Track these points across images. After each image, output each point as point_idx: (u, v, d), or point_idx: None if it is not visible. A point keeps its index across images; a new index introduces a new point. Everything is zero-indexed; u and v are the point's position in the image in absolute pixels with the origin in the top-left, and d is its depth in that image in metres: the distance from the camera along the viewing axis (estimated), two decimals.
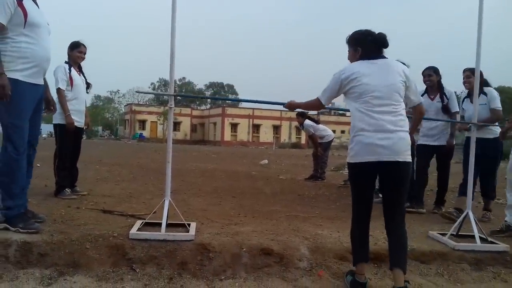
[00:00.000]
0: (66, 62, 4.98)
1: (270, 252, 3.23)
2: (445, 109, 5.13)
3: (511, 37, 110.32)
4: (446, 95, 5.16)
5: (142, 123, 59.99)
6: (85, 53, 5.11)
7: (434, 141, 5.22)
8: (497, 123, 4.87)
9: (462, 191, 4.66)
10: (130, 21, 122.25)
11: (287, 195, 6.38)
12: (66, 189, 4.92)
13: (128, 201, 4.94)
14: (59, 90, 4.80)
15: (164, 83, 74.19)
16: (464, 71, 4.90)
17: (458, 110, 5.18)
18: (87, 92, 5.26)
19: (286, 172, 11.02)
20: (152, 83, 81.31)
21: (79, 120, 5.03)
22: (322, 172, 8.88)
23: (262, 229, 3.78)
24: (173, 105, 3.63)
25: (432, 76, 5.21)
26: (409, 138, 2.80)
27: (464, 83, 4.95)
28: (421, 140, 5.36)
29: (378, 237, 3.74)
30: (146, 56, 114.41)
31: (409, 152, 2.78)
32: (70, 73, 4.91)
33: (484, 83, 4.87)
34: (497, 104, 4.81)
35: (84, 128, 5.28)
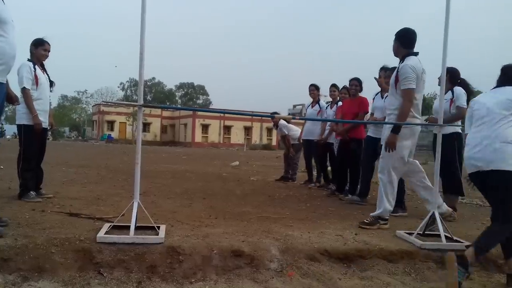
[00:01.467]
0: (29, 60, 4.84)
1: (241, 253, 3.22)
2: None
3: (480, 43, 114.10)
4: None
5: (111, 124, 58.91)
6: (49, 51, 4.98)
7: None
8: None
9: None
10: (98, 17, 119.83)
11: (258, 196, 6.38)
12: (31, 191, 4.77)
13: (95, 203, 4.83)
14: (24, 90, 4.66)
15: (135, 83, 72.96)
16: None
17: None
18: (51, 91, 5.13)
19: (257, 173, 11.04)
20: (121, 83, 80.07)
21: (44, 121, 4.90)
22: (293, 173, 8.94)
23: (233, 231, 3.76)
24: (141, 117, 3.64)
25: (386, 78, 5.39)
26: None
27: None
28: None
29: (347, 237, 3.79)
30: (115, 54, 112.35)
31: None
32: (35, 71, 4.77)
33: (457, 82, 5.10)
34: (462, 102, 4.96)
35: (48, 128, 5.14)
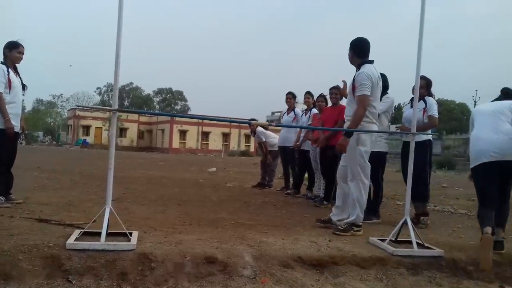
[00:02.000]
0: (1, 63, 4.74)
1: (214, 260, 3.20)
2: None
3: (448, 54, 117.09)
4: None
5: (86, 128, 57.98)
6: (23, 54, 4.90)
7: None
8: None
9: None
10: (75, 21, 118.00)
11: (234, 202, 6.36)
12: (0, 196, 4.65)
13: (66, 209, 4.73)
14: None
15: (111, 88, 71.99)
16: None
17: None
18: (23, 95, 5.04)
19: (234, 179, 11.01)
20: (98, 88, 79.06)
21: (16, 125, 4.80)
22: (270, 180, 8.94)
23: (207, 237, 3.74)
24: (115, 122, 3.60)
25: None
26: None
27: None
28: None
29: (321, 244, 3.81)
30: (92, 59, 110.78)
31: None
32: (8, 75, 4.68)
33: (430, 91, 5.25)
34: (434, 112, 5.08)
35: (20, 132, 5.03)
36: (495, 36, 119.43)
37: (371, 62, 4.46)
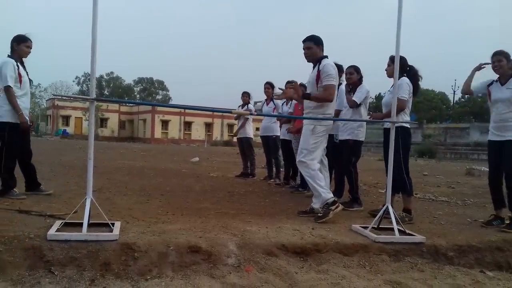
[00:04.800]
0: (9, 56, 4.73)
1: (198, 249, 3.19)
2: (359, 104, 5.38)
3: (426, 43, 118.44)
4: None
5: (66, 119, 57.07)
6: (31, 48, 4.91)
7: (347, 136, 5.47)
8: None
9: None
10: (52, 8, 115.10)
11: (217, 192, 6.35)
12: (14, 189, 4.74)
13: (47, 200, 4.65)
14: (9, 89, 4.60)
15: (90, 78, 70.83)
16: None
17: (356, 100, 5.37)
18: (30, 88, 5.06)
19: (217, 169, 10.99)
20: (77, 77, 77.60)
21: (27, 118, 4.85)
22: (252, 169, 8.95)
23: (190, 227, 3.73)
24: (93, 112, 3.54)
25: (353, 74, 5.44)
26: None
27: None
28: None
29: (304, 232, 3.84)
30: (70, 47, 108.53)
31: None
32: (18, 69, 4.70)
33: (406, 70, 4.90)
34: (402, 94, 4.70)
35: (30, 125, 5.05)
36: (475, 26, 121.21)
37: (327, 57, 4.64)
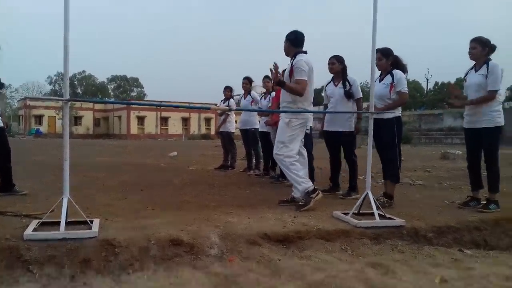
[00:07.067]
0: None
1: (180, 242, 3.16)
2: (348, 94, 5.36)
3: (399, 32, 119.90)
4: (349, 82, 5.41)
5: (39, 118, 55.92)
6: None
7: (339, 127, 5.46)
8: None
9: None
10: (24, 8, 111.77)
11: (197, 185, 6.31)
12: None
13: (22, 200, 4.54)
14: None
15: (63, 77, 69.36)
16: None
17: (361, 96, 5.49)
18: (1, 92, 4.89)
19: (196, 163, 10.92)
20: (49, 76, 75.76)
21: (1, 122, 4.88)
22: (232, 161, 8.94)
23: (171, 221, 3.68)
24: (67, 113, 3.44)
25: (335, 64, 5.45)
26: None
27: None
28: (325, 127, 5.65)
29: (286, 220, 3.84)
30: (42, 46, 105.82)
31: None
32: None
33: (396, 65, 4.93)
34: (403, 87, 4.77)
35: (5, 127, 5.03)
36: (447, 15, 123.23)
37: (305, 52, 4.69)
